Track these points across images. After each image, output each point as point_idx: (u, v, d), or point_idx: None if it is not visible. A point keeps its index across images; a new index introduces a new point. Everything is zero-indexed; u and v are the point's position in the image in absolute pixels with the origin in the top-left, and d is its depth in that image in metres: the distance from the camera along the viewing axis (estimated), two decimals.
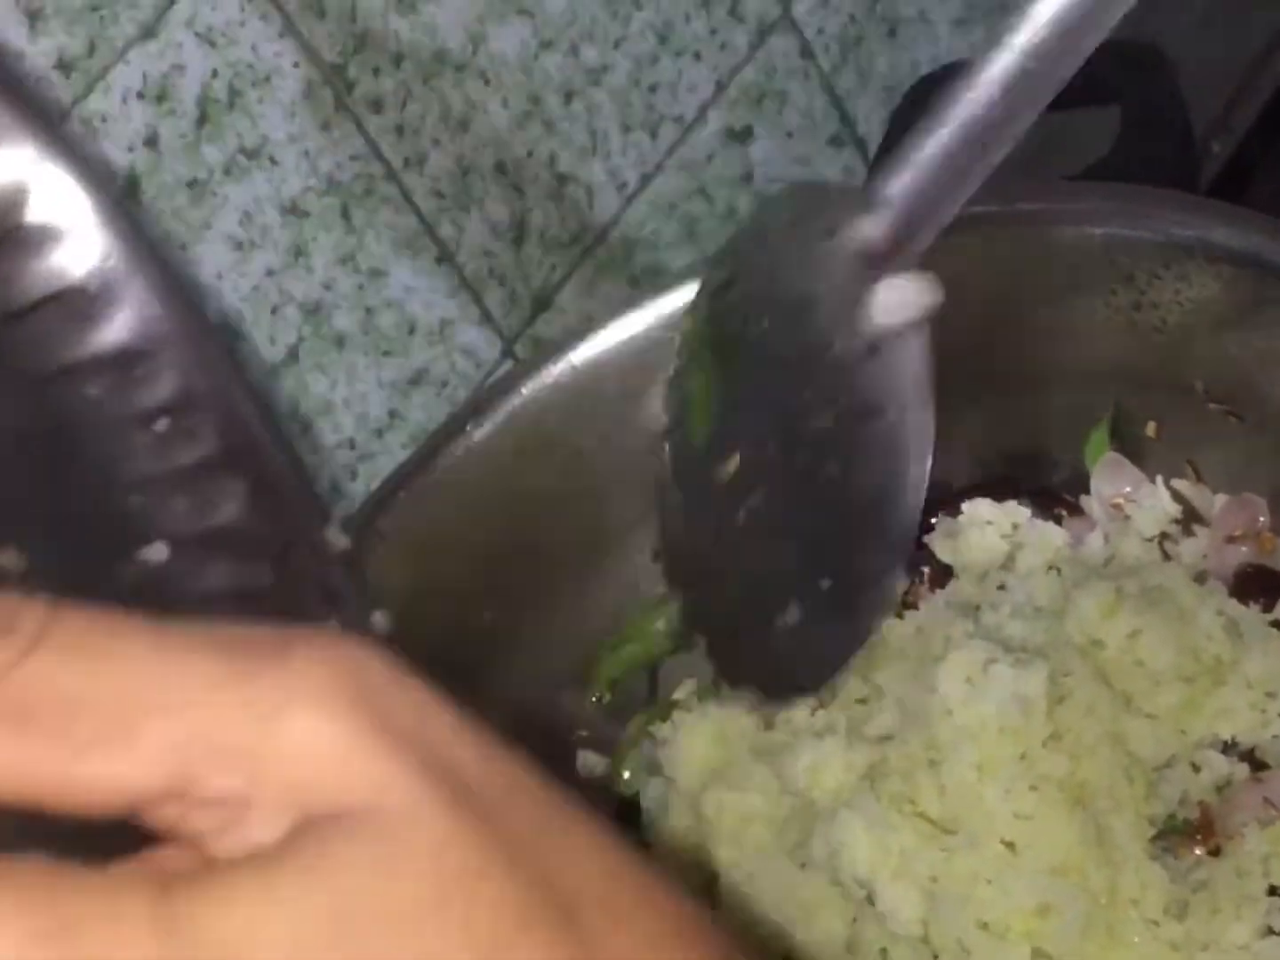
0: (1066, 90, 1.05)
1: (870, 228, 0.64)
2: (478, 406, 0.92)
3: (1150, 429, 0.90)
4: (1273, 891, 0.76)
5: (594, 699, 0.93)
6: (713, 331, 0.71)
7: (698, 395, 0.71)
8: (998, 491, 0.90)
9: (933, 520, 0.89)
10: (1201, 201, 0.88)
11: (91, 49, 0.85)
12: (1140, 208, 0.84)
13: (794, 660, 0.68)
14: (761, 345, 0.68)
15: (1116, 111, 1.00)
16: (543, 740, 0.92)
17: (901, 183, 0.63)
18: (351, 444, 0.98)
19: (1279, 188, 0.93)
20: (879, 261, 0.64)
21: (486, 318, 1.02)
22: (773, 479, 0.68)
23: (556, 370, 0.91)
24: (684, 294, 0.92)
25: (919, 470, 0.64)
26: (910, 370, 0.64)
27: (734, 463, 0.68)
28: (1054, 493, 0.90)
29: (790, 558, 0.67)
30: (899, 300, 0.63)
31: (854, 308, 0.63)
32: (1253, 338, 0.83)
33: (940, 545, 0.90)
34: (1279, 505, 0.88)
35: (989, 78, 0.62)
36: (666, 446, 0.73)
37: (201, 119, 0.89)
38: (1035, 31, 0.61)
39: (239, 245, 0.92)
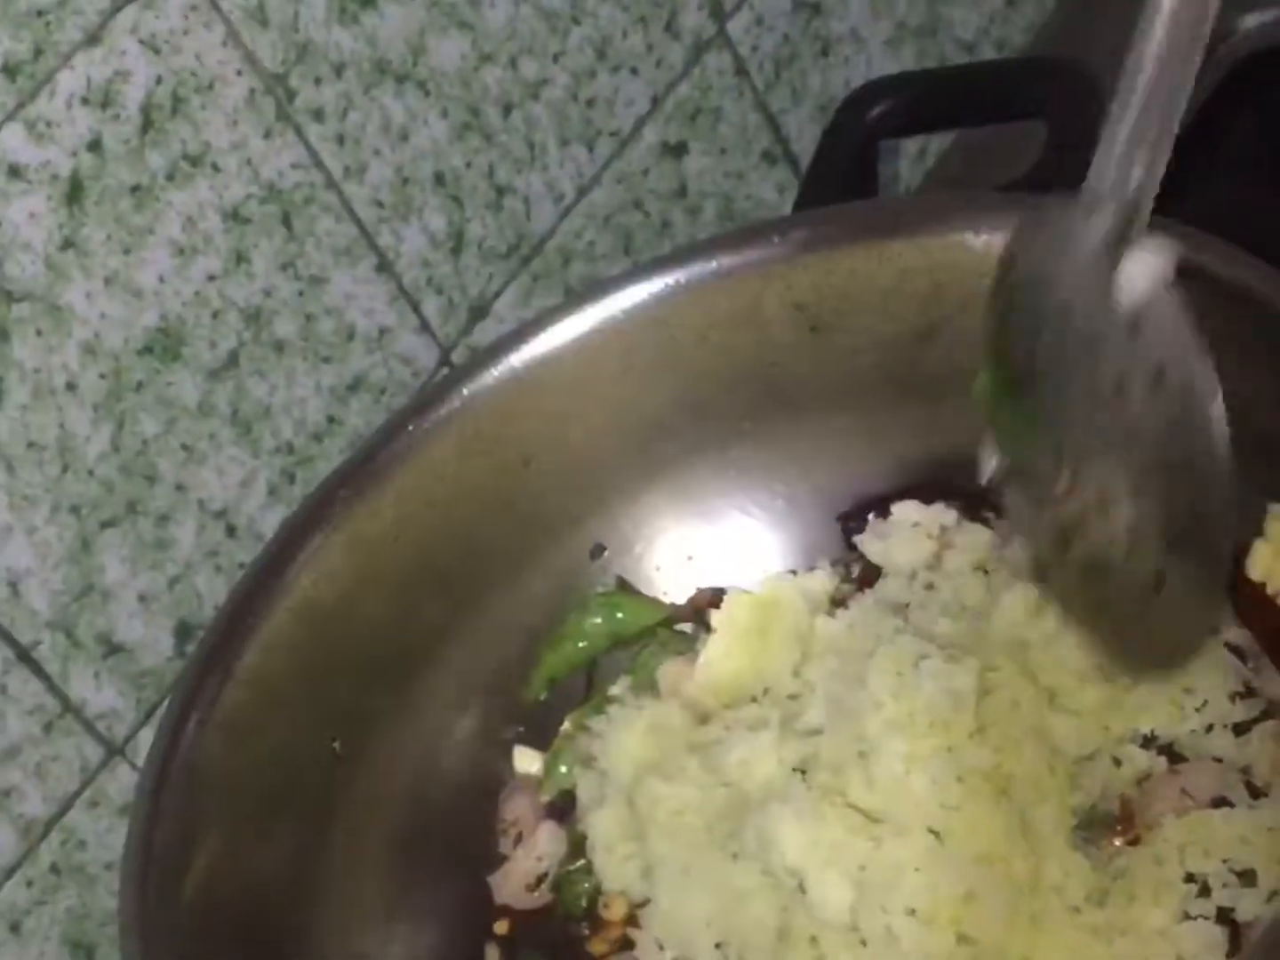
0: (992, 106, 1.08)
1: (1100, 224, 0.70)
2: (419, 406, 0.94)
3: None
4: (1189, 879, 0.78)
5: (533, 698, 0.95)
6: (1010, 373, 0.76)
7: (1014, 426, 0.76)
8: (926, 494, 0.92)
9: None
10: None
11: (37, 53, 0.86)
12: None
13: (1172, 630, 0.74)
14: (1052, 360, 0.73)
15: (1041, 126, 1.02)
16: (479, 736, 0.95)
17: (1108, 172, 0.70)
18: (290, 448, 0.99)
19: (1203, 201, 0.95)
20: (1117, 247, 0.70)
21: (424, 326, 1.04)
22: (1104, 474, 0.72)
23: (497, 371, 0.93)
24: (619, 299, 0.94)
25: (1217, 409, 0.68)
26: (1172, 326, 0.68)
27: (1068, 474, 0.73)
28: (982, 495, 0.92)
29: (1144, 539, 0.72)
30: (1142, 269, 0.69)
31: (1110, 293, 0.69)
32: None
33: (870, 546, 0.92)
34: None
35: (1147, 53, 0.68)
36: (1009, 489, 0.78)
37: (145, 125, 0.90)
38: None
39: (181, 251, 0.93)
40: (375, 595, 0.91)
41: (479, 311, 1.06)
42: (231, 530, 0.97)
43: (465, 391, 0.93)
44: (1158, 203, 0.94)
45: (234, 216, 0.95)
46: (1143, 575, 0.72)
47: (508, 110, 1.05)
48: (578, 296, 0.97)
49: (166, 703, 0.89)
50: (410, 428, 0.93)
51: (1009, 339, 0.75)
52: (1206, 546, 0.71)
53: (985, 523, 0.91)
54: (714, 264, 0.94)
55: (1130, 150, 0.70)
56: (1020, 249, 0.75)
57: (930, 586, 0.89)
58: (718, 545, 0.98)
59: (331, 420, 1.01)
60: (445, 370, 1.05)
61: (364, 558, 0.91)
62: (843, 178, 1.07)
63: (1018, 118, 1.05)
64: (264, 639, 0.88)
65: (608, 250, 1.11)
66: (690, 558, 0.99)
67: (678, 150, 1.13)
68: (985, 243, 0.88)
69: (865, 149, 1.10)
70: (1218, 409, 0.68)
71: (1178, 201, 0.95)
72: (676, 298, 0.94)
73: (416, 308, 1.03)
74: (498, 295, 1.07)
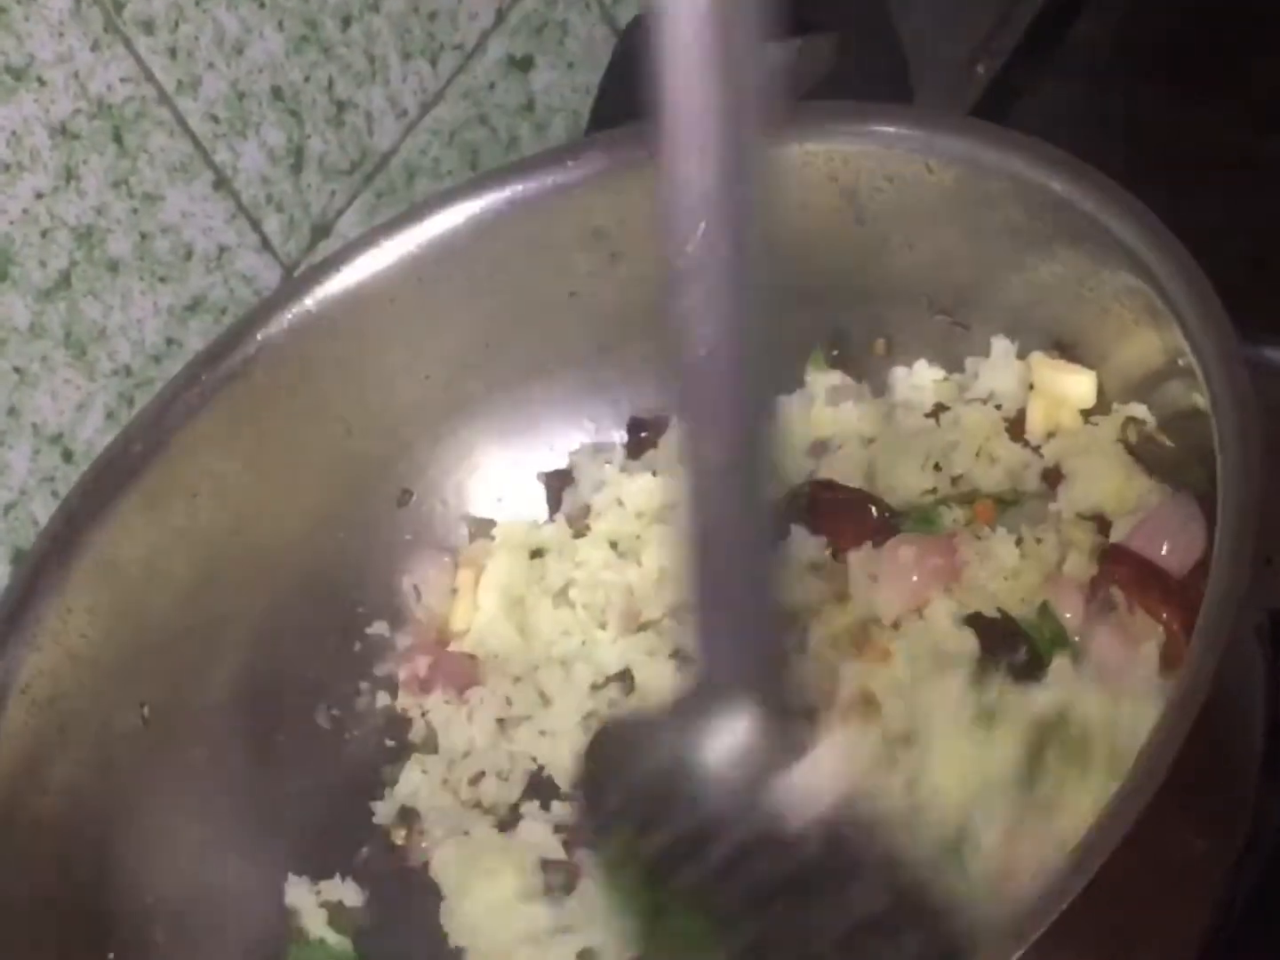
0: (784, 19, 1.06)
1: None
2: (212, 355, 0.92)
3: (879, 346, 0.92)
4: None
5: None
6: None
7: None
8: None
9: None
10: (919, 112, 0.90)
11: None
12: (859, 122, 0.86)
13: None
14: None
15: (833, 38, 1.01)
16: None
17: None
18: (128, 371, 0.97)
19: (1041, 109, 0.95)
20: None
21: (265, 244, 1.02)
22: None
23: (290, 315, 0.91)
24: (414, 233, 0.92)
25: None
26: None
27: None
28: None
29: None
30: (815, 787, 0.65)
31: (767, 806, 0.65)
32: (974, 245, 0.85)
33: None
34: None
35: None
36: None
37: None
38: None
39: (6, 167, 0.90)
40: (176, 554, 0.89)
41: (322, 230, 1.04)
42: (68, 455, 0.95)
43: (259, 337, 0.91)
44: (997, 110, 0.94)
45: (62, 132, 0.92)
46: None
47: (346, 22, 1.02)
48: (370, 232, 0.95)
49: None
50: (203, 378, 0.91)
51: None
52: None
53: None
54: (508, 192, 0.92)
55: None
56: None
57: None
58: (528, 485, 0.97)
59: (171, 342, 0.99)
60: None
61: (162, 515, 0.89)
62: (636, 97, 1.05)
63: (810, 30, 1.04)
64: (63, 602, 0.85)
65: (454, 167, 1.09)
66: (500, 500, 0.97)
67: (524, 64, 1.11)
68: (781, 154, 0.87)
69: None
70: None
71: (1014, 103, 0.95)
72: (472, 229, 0.92)
73: (257, 226, 1.01)
74: (341, 213, 1.05)
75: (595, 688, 0.89)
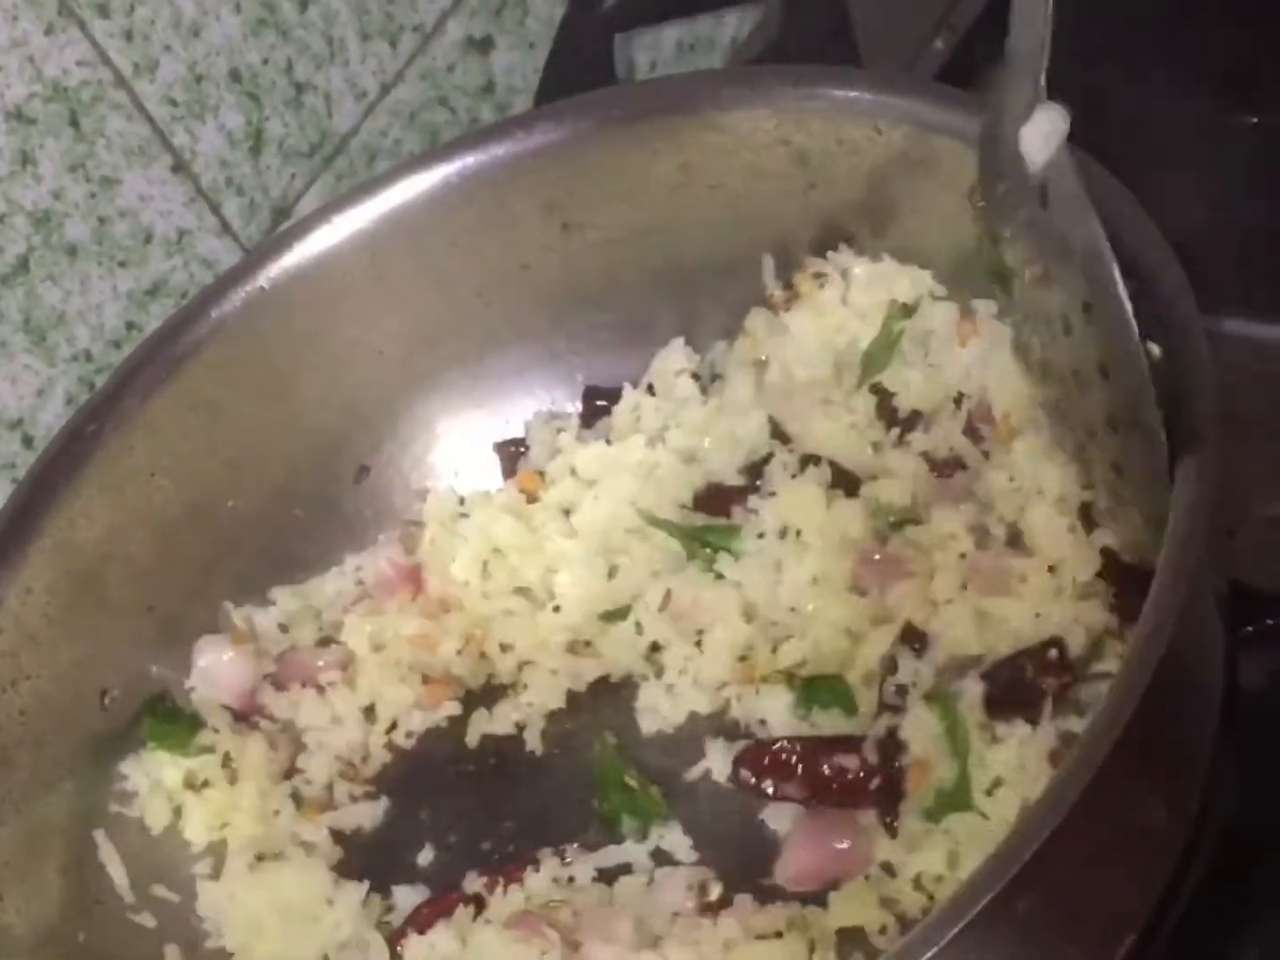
0: None
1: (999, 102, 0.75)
2: (167, 333, 0.91)
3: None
4: None
5: None
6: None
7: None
8: None
9: None
10: (868, 74, 0.90)
11: None
12: (809, 85, 0.86)
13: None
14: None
15: (776, 3, 1.01)
16: None
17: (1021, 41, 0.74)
18: (88, 356, 0.96)
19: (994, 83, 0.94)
20: (1019, 118, 0.74)
21: (225, 228, 1.01)
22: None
23: (244, 292, 0.91)
24: (366, 208, 0.92)
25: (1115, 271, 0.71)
26: (1069, 189, 0.72)
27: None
28: None
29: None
30: (1040, 136, 0.74)
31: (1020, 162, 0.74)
32: (923, 203, 0.85)
33: None
34: None
35: None
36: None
37: None
38: None
39: None
40: (135, 534, 0.89)
41: (283, 213, 1.04)
42: (28, 441, 0.95)
43: (213, 315, 0.91)
44: (954, 84, 0.94)
45: (17, 116, 0.92)
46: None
47: (304, 4, 1.02)
48: (323, 209, 0.94)
49: None
50: (158, 357, 0.90)
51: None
52: (1142, 426, 0.71)
53: None
54: (458, 165, 0.92)
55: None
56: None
57: None
58: (486, 457, 0.96)
59: (131, 326, 0.98)
60: None
61: (120, 495, 0.88)
62: (581, 70, 1.05)
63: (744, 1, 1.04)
64: (21, 582, 0.85)
65: (414, 148, 1.09)
66: (457, 474, 0.97)
67: (484, 45, 1.11)
68: (732, 120, 0.87)
69: (601, 41, 1.08)
70: (1116, 272, 0.70)
71: (972, 79, 0.95)
72: (423, 203, 0.92)
73: (216, 209, 1.01)
74: (301, 195, 1.04)
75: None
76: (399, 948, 0.82)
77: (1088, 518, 0.79)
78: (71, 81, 0.93)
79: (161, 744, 0.88)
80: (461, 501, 0.94)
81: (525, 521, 0.91)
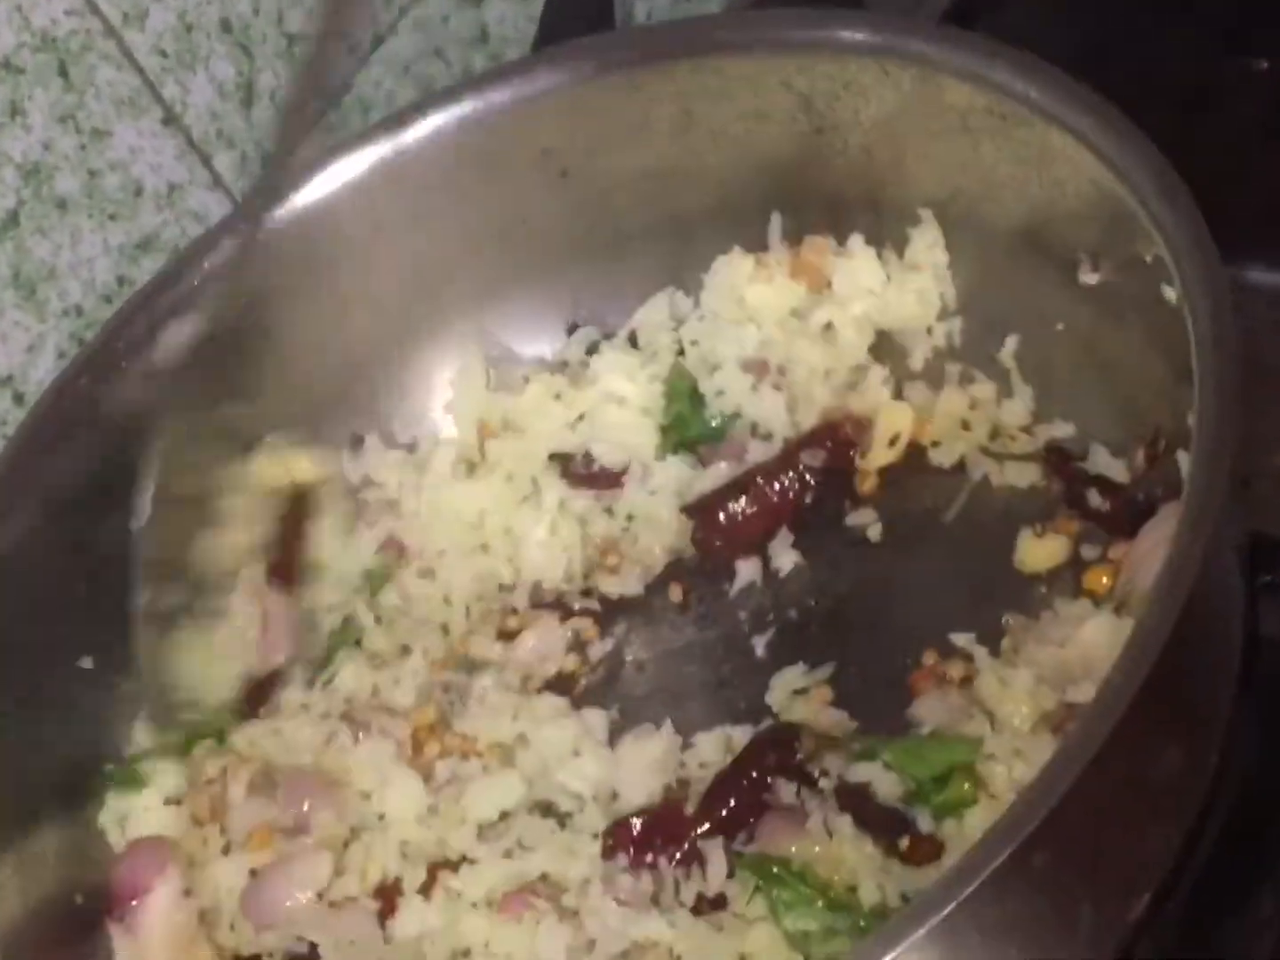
0: None
1: None
2: (154, 289, 0.90)
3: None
4: None
5: None
6: None
7: None
8: None
9: None
10: (873, 17, 0.88)
11: None
12: (814, 28, 0.84)
13: None
14: None
15: None
16: None
17: None
18: (79, 311, 0.95)
19: (999, 34, 0.93)
20: None
21: (217, 181, 1.00)
22: None
23: (230, 248, 0.89)
24: (361, 156, 0.91)
25: None
26: None
27: None
28: None
29: None
30: None
31: None
32: (931, 146, 0.84)
33: None
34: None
35: None
36: None
37: None
38: None
39: None
40: (127, 493, 0.87)
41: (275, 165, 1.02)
42: (19, 398, 0.93)
43: (205, 266, 0.89)
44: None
45: (5, 66, 0.90)
46: None
47: None
48: (316, 158, 0.93)
49: None
50: (149, 309, 0.89)
51: None
52: None
53: None
54: (456, 112, 0.90)
55: None
56: None
57: None
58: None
59: (122, 281, 0.97)
60: None
61: (111, 452, 0.87)
62: (580, 14, 1.03)
63: None
64: (14, 534, 0.84)
65: (408, 100, 1.07)
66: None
67: None
68: (734, 64, 0.86)
69: None
70: None
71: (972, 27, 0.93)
72: (418, 151, 0.90)
73: (208, 162, 0.99)
74: (294, 149, 1.03)
75: None
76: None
77: None
78: (60, 31, 0.92)
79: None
80: None
81: None
